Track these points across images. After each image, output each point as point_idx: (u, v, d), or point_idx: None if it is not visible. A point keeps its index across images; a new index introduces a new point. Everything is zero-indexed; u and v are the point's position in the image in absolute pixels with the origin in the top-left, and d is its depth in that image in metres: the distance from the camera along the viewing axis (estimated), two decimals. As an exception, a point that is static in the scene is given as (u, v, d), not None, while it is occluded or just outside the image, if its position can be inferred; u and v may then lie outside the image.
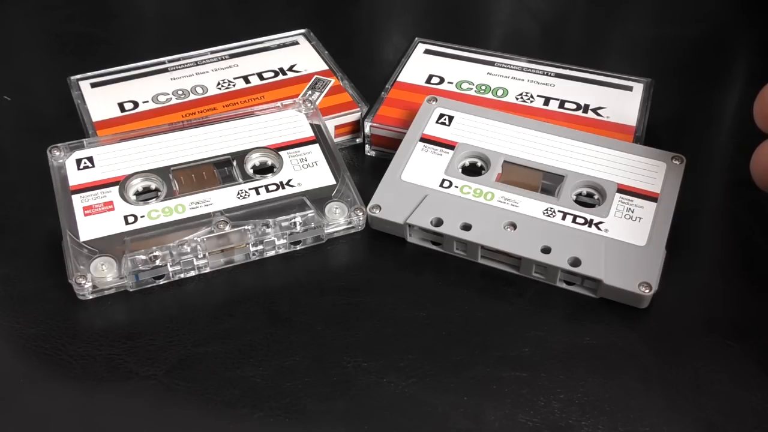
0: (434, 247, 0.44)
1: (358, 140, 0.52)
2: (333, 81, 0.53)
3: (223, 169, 0.46)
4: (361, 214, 0.44)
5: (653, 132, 0.49)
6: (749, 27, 0.64)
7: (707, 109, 0.55)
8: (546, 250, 0.41)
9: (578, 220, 0.43)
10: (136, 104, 0.51)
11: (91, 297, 0.41)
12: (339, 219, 0.44)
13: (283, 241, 0.43)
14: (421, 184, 0.45)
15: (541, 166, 0.45)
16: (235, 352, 0.39)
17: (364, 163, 0.51)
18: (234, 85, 0.53)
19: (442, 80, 0.53)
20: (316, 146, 0.47)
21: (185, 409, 0.37)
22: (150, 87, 0.52)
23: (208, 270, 0.43)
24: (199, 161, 0.46)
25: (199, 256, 0.42)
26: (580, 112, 0.50)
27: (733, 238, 0.46)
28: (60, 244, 0.42)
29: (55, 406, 0.37)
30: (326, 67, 0.54)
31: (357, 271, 0.43)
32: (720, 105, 0.56)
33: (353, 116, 0.51)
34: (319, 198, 0.44)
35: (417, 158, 0.46)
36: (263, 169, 0.46)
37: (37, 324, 0.40)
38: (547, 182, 0.45)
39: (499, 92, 0.52)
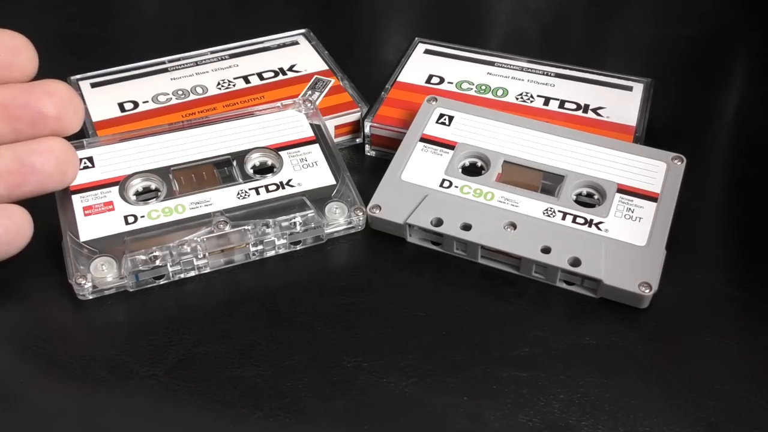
0: (434, 247, 0.44)
1: (358, 140, 0.52)
2: (333, 81, 0.53)
3: (223, 169, 0.46)
4: (361, 214, 0.44)
5: (653, 132, 0.49)
6: (749, 27, 0.64)
7: (707, 109, 0.55)
8: (546, 250, 0.41)
9: (578, 220, 0.43)
10: (136, 104, 0.51)
11: (91, 297, 0.41)
12: (339, 219, 0.44)
13: (283, 241, 0.43)
14: (421, 184, 0.45)
15: (541, 166, 0.45)
16: (235, 352, 0.39)
17: (364, 163, 0.51)
18: (234, 85, 0.53)
19: (442, 80, 0.53)
20: (316, 146, 0.47)
21: (185, 409, 0.37)
22: (150, 87, 0.52)
23: (208, 270, 0.43)
24: (199, 161, 0.46)
25: (199, 256, 0.42)
26: (580, 112, 0.50)
27: (733, 238, 0.46)
28: (60, 244, 0.42)
29: (55, 406, 0.37)
30: (326, 67, 0.54)
31: (357, 271, 0.43)
32: (720, 105, 0.56)
33: (353, 116, 0.51)
34: (319, 198, 0.44)
35: (417, 158, 0.46)
36: (263, 169, 0.46)
37: (37, 324, 0.40)
38: (547, 182, 0.45)
39: (499, 92, 0.52)
